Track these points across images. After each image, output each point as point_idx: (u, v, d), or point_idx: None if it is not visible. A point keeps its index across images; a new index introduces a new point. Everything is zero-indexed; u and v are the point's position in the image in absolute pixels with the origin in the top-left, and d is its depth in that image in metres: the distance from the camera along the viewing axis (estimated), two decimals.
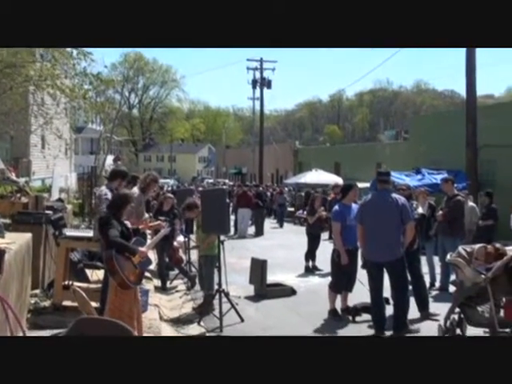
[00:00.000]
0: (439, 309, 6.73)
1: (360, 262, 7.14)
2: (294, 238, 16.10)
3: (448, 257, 6.42)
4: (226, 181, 43.25)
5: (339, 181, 18.64)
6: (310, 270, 10.75)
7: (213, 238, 7.22)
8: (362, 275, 7.01)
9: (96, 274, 7.25)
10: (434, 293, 8.60)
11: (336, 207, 7.32)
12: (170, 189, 27.67)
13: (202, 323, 6.75)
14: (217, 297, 6.76)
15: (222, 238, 7.10)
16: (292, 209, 23.41)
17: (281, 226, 20.96)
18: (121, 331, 2.76)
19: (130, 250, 4.85)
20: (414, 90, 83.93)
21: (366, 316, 6.91)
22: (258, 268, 8.50)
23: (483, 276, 5.78)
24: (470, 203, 10.92)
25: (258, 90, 37.29)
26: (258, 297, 8.31)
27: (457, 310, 6.22)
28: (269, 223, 21.27)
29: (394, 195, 6.43)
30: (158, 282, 8.95)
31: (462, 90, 16.23)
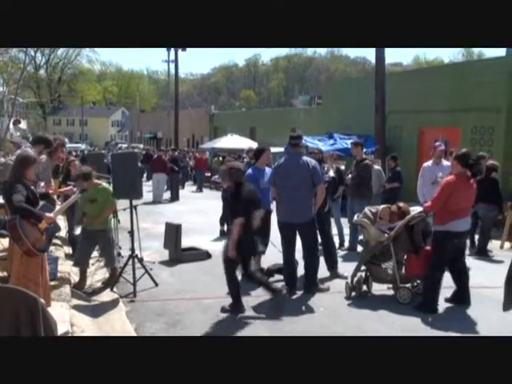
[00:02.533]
0: (348, 268, 7.03)
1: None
2: (210, 203, 16.13)
3: (355, 218, 6.71)
4: (141, 145, 42.27)
5: (254, 145, 18.76)
6: (225, 234, 10.84)
7: (108, 211, 6.95)
8: (275, 238, 7.16)
9: (1, 243, 6.92)
10: (342, 253, 8.98)
11: (249, 171, 7.36)
12: (79, 154, 26.62)
13: (115, 289, 6.67)
14: (130, 262, 6.68)
15: (134, 202, 6.98)
16: (208, 174, 23.37)
17: (200, 190, 20.99)
18: (24, 298, 2.67)
19: (35, 216, 4.65)
20: (328, 57, 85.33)
21: (278, 277, 7.11)
22: (173, 233, 8.46)
23: (386, 235, 6.11)
24: (377, 167, 11.36)
25: (172, 53, 36.41)
26: (172, 261, 8.30)
27: (363, 267, 6.56)
28: (190, 188, 21.29)
29: (306, 158, 6.56)
30: (68, 249, 8.69)
31: (372, 58, 16.76)
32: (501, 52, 14.08)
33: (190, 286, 6.93)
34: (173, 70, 37.26)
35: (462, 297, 6.18)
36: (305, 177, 6.38)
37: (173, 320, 5.62)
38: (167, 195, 17.91)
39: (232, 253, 5.65)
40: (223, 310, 5.80)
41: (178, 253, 8.36)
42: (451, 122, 14.78)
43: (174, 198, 17.62)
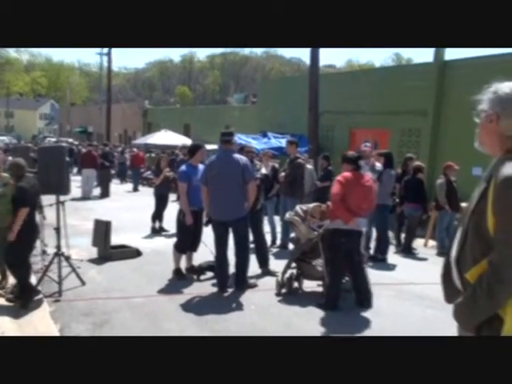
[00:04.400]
0: (279, 265, 7.09)
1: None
2: (141, 199, 15.85)
3: (287, 215, 6.77)
4: (70, 140, 40.93)
5: (188, 142, 18.60)
6: (157, 231, 10.70)
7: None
8: (207, 236, 7.12)
9: None
10: (274, 250, 9.05)
11: (183, 167, 7.28)
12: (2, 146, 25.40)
13: (39, 288, 6.41)
14: (56, 260, 6.44)
15: (62, 198, 6.72)
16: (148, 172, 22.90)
17: (135, 190, 20.03)
18: None
19: None
20: (264, 56, 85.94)
21: (210, 274, 7.08)
22: (102, 230, 8.23)
23: (316, 232, 6.20)
24: (310, 166, 11.54)
25: None
26: (101, 259, 8.07)
27: (294, 264, 6.63)
28: (125, 186, 20.72)
29: (237, 155, 6.55)
30: None
31: (307, 58, 17.01)
32: (428, 58, 14.65)
33: (118, 285, 6.77)
34: (106, 63, 36.41)
35: (361, 299, 6.09)
36: (236, 174, 6.36)
37: (100, 320, 5.46)
38: (98, 191, 17.44)
39: None
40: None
41: (107, 250, 8.15)
42: (381, 123, 15.24)
43: (105, 194, 17.18)
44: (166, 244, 8.92)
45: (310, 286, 6.75)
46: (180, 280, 7.03)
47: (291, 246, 7.75)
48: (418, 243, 9.93)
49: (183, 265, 7.29)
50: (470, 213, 2.14)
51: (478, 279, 2.02)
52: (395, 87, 14.90)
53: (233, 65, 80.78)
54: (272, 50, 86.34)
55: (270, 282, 6.82)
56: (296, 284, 6.68)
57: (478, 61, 12.62)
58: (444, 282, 2.29)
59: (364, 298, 6.08)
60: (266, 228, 9.10)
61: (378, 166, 8.80)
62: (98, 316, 5.57)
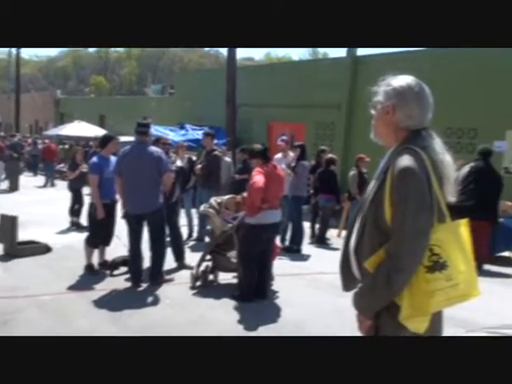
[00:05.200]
0: (195, 258, 7.04)
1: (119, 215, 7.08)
2: (54, 193, 15.22)
3: (201, 208, 6.73)
4: None
5: (101, 133, 18.02)
6: (73, 226, 10.31)
7: None
8: (120, 229, 6.95)
9: None
10: (191, 243, 8.99)
11: (94, 159, 7.05)
12: None
13: None
14: None
15: None
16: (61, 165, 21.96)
17: (51, 185, 19.10)
18: None
19: None
20: (182, 48, 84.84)
21: (124, 269, 6.91)
22: (8, 225, 7.81)
23: (230, 225, 6.21)
24: (228, 158, 11.54)
25: None
26: (8, 256, 7.66)
27: (209, 257, 6.61)
28: (38, 179, 19.78)
29: (151, 147, 6.43)
30: None
31: (225, 51, 16.93)
32: (342, 53, 15.06)
33: (25, 283, 6.45)
34: (15, 50, 34.56)
35: (261, 289, 6.12)
36: (150, 166, 6.25)
37: (3, 319, 5.18)
38: (6, 184, 16.56)
39: None
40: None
41: (14, 247, 7.75)
42: (297, 116, 15.51)
43: (14, 187, 16.34)
44: (79, 239, 8.60)
45: (226, 278, 6.76)
46: (92, 276, 6.81)
47: (208, 239, 7.71)
48: (331, 233, 10.20)
49: (96, 260, 7.07)
50: (368, 203, 2.20)
51: (377, 268, 2.08)
52: (311, 81, 15.20)
53: (150, 56, 79.14)
54: None
55: (185, 276, 6.76)
56: (211, 276, 6.67)
57: (388, 56, 13.14)
58: (342, 271, 2.35)
59: (264, 289, 6.13)
60: (184, 221, 9.02)
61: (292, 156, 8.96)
62: (0, 315, 5.29)
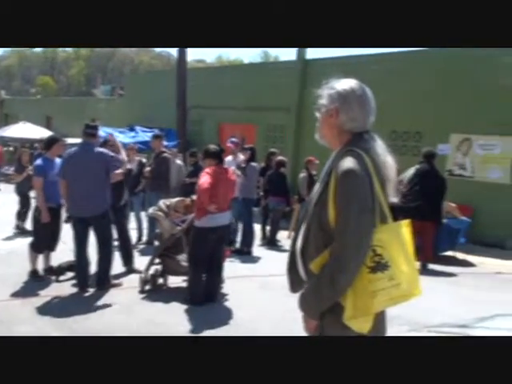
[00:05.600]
0: (145, 262, 6.92)
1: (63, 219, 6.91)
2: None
3: (150, 211, 6.64)
4: None
5: (47, 135, 17.52)
6: (18, 229, 9.97)
7: None
8: (66, 233, 6.77)
9: None
10: (141, 247, 8.86)
11: (38, 161, 6.84)
12: None
13: None
14: None
15: None
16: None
17: None
18: None
19: None
20: (133, 49, 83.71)
21: (71, 274, 6.74)
22: None
23: (179, 227, 6.15)
24: (178, 161, 11.44)
25: None
26: None
27: (158, 260, 6.53)
28: None
29: (98, 149, 6.30)
30: None
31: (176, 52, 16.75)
32: (292, 56, 15.23)
33: None
34: None
35: (211, 292, 6.08)
36: (97, 168, 6.12)
37: None
38: None
39: None
40: None
41: None
42: (248, 119, 15.55)
43: None
44: (24, 244, 8.33)
45: (176, 281, 6.69)
46: (37, 282, 6.60)
47: (157, 242, 7.61)
48: (282, 235, 10.26)
49: (41, 265, 6.86)
50: (313, 205, 2.22)
51: (321, 269, 2.09)
52: (262, 84, 15.28)
53: (100, 56, 77.71)
54: None
55: (134, 280, 6.64)
56: (161, 280, 6.58)
57: (337, 60, 13.37)
58: (289, 273, 2.36)
59: (214, 292, 6.09)
60: (133, 224, 8.88)
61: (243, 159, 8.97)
62: None
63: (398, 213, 7.98)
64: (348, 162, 2.09)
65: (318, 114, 2.35)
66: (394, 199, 2.28)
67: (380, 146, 2.23)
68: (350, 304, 2.06)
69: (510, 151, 10.66)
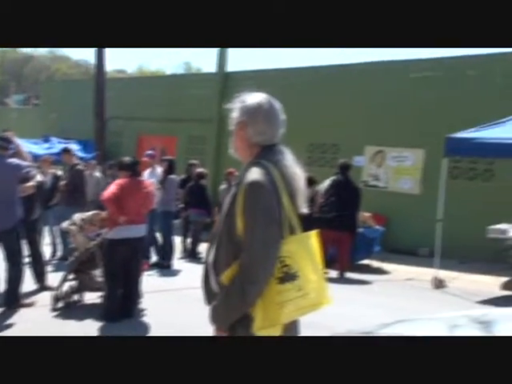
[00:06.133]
0: (59, 278, 6.66)
1: None
2: None
3: (63, 225, 6.40)
4: None
5: None
6: None
7: None
8: None
9: None
10: (55, 262, 8.52)
11: None
12: None
13: None
14: None
15: None
16: None
17: None
18: None
19: None
20: (49, 56, 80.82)
21: None
22: None
23: (93, 242, 5.97)
24: (97, 173, 11.14)
25: None
26: None
27: (73, 276, 6.29)
28: None
29: (10, 160, 6.00)
30: None
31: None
32: (212, 68, 15.31)
33: None
34: None
35: (128, 307, 5.92)
36: (7, 181, 5.83)
37: None
38: None
39: None
40: None
41: None
42: (169, 130, 15.43)
43: None
44: None
45: (92, 298, 6.47)
46: None
47: (72, 258, 7.33)
48: (203, 247, 10.21)
49: None
50: (223, 217, 2.24)
51: (231, 281, 2.10)
52: (183, 95, 15.23)
53: (13, 63, 74.45)
54: (58, 50, 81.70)
55: (48, 298, 6.36)
56: (76, 297, 6.34)
57: (256, 73, 13.58)
58: (204, 285, 2.35)
59: (131, 307, 5.95)
60: (48, 239, 8.53)
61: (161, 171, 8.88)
62: None
63: (314, 223, 8.20)
64: (254, 174, 2.13)
65: (231, 128, 2.38)
66: (305, 210, 2.33)
67: (289, 159, 2.28)
68: (259, 315, 2.07)
69: (420, 163, 11.21)
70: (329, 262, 8.51)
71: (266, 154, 2.25)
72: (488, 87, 10.42)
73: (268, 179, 2.11)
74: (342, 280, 8.36)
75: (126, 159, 6.14)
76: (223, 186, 9.98)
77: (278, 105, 2.35)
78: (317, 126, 12.40)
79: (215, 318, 2.20)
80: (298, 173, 2.28)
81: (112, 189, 5.66)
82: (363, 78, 11.98)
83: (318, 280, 2.19)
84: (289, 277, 2.08)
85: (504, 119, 8.14)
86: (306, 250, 2.19)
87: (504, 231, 8.30)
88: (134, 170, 6.00)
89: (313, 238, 2.26)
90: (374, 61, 12.67)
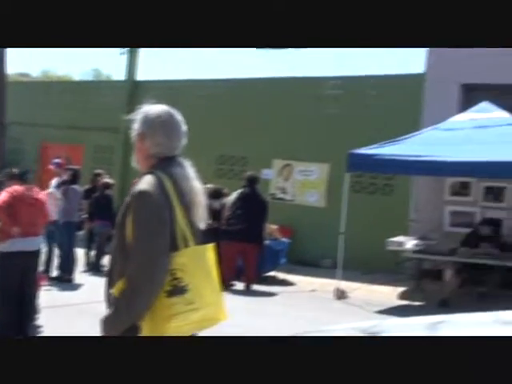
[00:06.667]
0: None
1: None
2: None
3: None
4: None
5: None
6: None
7: None
8: None
9: None
10: None
11: None
12: None
13: None
14: None
15: None
16: None
17: None
18: None
19: None
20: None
21: None
22: None
23: None
24: None
25: None
26: None
27: None
28: None
29: None
30: None
31: None
32: (121, 76, 15.00)
33: None
34: None
35: (23, 325, 5.50)
36: None
37: None
38: None
39: None
40: None
41: None
42: (75, 139, 14.90)
43: None
44: None
45: None
46: None
47: None
48: (107, 260, 9.91)
49: None
50: (116, 228, 2.19)
51: (120, 292, 2.06)
52: (90, 102, 14.78)
53: None
54: None
55: None
56: None
57: (167, 84, 13.49)
58: (106, 298, 2.30)
59: (26, 324, 5.60)
60: None
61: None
62: None
63: (221, 236, 8.19)
64: (143, 184, 2.12)
65: (133, 139, 2.38)
66: (203, 224, 2.32)
67: (187, 171, 2.28)
68: (147, 328, 2.05)
69: (325, 177, 11.58)
70: (236, 275, 8.57)
71: (162, 165, 2.23)
72: (387, 107, 10.98)
73: (158, 190, 2.10)
74: (248, 292, 8.41)
75: (14, 169, 5.87)
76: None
77: (178, 116, 2.36)
78: (226, 138, 12.47)
79: (104, 329, 2.15)
80: (196, 186, 2.28)
81: (2, 197, 5.35)
82: (272, 92, 12.22)
83: (212, 294, 2.18)
84: (178, 290, 2.06)
85: (402, 137, 8.60)
86: (200, 263, 2.18)
87: (401, 243, 8.75)
88: (24, 179, 5.73)
89: (209, 251, 2.26)
90: (283, 76, 12.99)
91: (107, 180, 9.76)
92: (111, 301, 2.17)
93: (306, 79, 12.47)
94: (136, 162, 2.40)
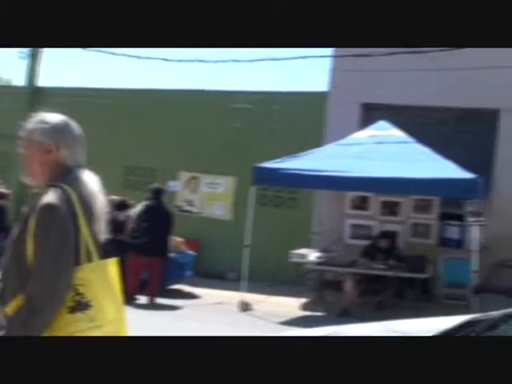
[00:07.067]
0: None
1: None
2: None
3: None
4: None
5: None
6: None
7: None
8: None
9: None
10: None
11: None
12: None
13: None
14: None
15: None
16: None
17: None
18: None
19: None
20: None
21: None
22: None
23: None
24: None
25: None
26: None
27: None
28: None
29: None
30: None
31: None
32: (21, 81, 14.33)
33: None
34: None
35: None
36: None
37: None
38: None
39: None
40: None
41: None
42: None
43: None
44: None
45: None
46: None
47: None
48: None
49: None
50: (11, 243, 2.08)
51: (15, 312, 1.95)
52: None
53: None
54: None
55: None
56: None
57: (72, 91, 13.06)
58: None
59: None
60: None
61: None
62: None
63: (125, 248, 8.02)
64: (49, 197, 2.03)
65: (22, 151, 2.24)
66: (105, 236, 2.26)
67: (91, 182, 2.21)
68: None
69: (232, 190, 11.67)
70: (140, 288, 8.39)
71: (66, 176, 2.15)
72: (292, 122, 11.30)
73: (64, 202, 2.02)
74: (152, 306, 8.25)
75: None
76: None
77: (76, 125, 2.28)
78: (133, 149, 12.23)
79: None
80: (99, 197, 2.21)
81: None
82: (181, 104, 12.16)
83: (115, 310, 2.13)
84: (81, 306, 1.99)
85: (305, 152, 8.88)
86: (102, 277, 2.11)
87: (304, 256, 9.00)
88: None
89: (111, 265, 2.20)
90: (191, 89, 12.99)
91: (2, 190, 9.23)
92: (6, 319, 2.04)
93: (216, 92, 12.54)
94: (30, 175, 2.26)
